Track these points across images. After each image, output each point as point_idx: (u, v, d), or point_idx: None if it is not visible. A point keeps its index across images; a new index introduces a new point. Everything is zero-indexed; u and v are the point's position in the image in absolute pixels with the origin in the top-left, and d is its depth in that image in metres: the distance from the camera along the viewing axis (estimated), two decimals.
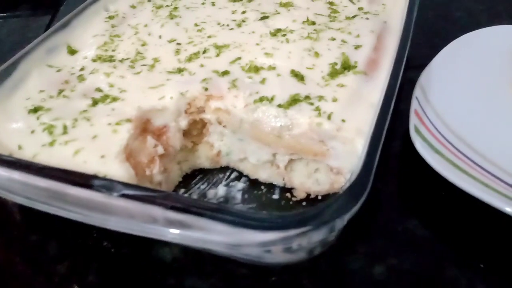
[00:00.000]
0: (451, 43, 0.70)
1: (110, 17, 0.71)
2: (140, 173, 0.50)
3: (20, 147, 0.51)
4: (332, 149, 0.51)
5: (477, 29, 0.74)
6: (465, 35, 0.72)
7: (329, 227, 0.37)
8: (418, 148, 0.54)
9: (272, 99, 0.53)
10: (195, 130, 0.58)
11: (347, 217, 0.38)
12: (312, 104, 0.53)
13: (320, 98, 0.53)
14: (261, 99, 0.53)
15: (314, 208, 0.38)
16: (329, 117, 0.51)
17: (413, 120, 0.57)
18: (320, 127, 0.50)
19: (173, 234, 0.39)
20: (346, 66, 0.57)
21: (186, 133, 0.57)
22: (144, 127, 0.53)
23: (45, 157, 0.49)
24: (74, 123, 0.52)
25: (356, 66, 0.58)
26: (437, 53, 0.69)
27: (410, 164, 0.58)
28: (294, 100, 0.53)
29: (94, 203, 0.42)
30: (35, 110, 0.54)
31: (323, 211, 0.38)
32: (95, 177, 0.44)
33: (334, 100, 0.53)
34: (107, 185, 0.41)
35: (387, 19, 0.68)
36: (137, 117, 0.52)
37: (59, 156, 0.49)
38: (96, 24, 0.69)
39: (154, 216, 0.40)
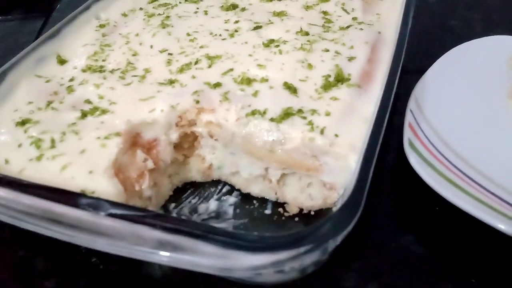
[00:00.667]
0: (446, 53, 0.70)
1: (101, 26, 0.70)
2: (129, 188, 0.49)
3: (7, 161, 0.50)
4: (325, 164, 0.50)
5: (472, 38, 0.73)
6: (460, 45, 0.71)
7: (323, 248, 0.37)
8: (413, 163, 0.53)
9: (264, 112, 0.52)
10: (186, 143, 0.57)
11: (340, 237, 0.38)
12: (305, 118, 0.52)
13: (313, 111, 0.52)
14: (253, 113, 0.52)
15: (307, 229, 0.37)
16: (322, 132, 0.50)
17: (407, 134, 0.56)
18: (313, 142, 0.49)
19: (161, 256, 0.38)
20: (340, 79, 0.57)
21: (177, 146, 0.56)
22: (134, 140, 0.52)
23: (32, 172, 0.48)
24: (62, 136, 0.51)
25: (349, 79, 0.57)
26: (431, 63, 0.68)
27: (404, 178, 0.58)
28: (286, 114, 0.52)
29: (81, 222, 0.41)
30: (23, 123, 0.53)
31: (316, 232, 0.37)
32: (81, 195, 0.43)
33: (327, 114, 0.52)
34: (94, 203, 0.41)
35: (382, 30, 0.67)
36: (127, 131, 0.51)
37: (47, 171, 0.48)
38: (87, 33, 0.68)
39: (143, 236, 0.39)
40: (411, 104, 0.61)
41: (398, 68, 0.56)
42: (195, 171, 0.58)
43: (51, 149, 0.50)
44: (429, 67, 0.68)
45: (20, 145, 0.51)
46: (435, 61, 0.69)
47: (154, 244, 0.39)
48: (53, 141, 0.51)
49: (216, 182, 0.59)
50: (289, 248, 0.36)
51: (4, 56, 0.92)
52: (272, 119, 0.52)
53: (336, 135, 0.50)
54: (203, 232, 0.38)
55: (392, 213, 0.56)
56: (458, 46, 0.71)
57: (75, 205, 0.40)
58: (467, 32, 0.86)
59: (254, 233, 0.38)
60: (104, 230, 0.40)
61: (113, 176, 0.47)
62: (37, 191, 0.42)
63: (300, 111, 0.53)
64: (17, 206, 0.43)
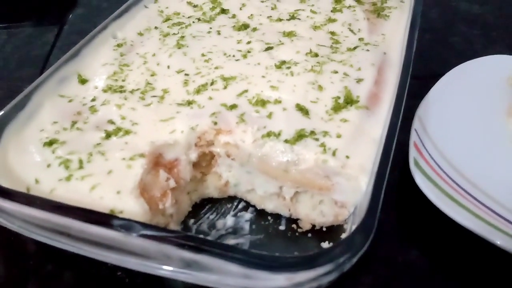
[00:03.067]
0: (448, 73, 0.73)
1: (119, 45, 0.73)
2: (154, 207, 0.53)
3: (37, 181, 0.53)
4: (337, 184, 0.53)
5: (473, 54, 0.77)
6: (461, 64, 0.75)
7: (340, 269, 0.40)
8: (418, 182, 0.56)
9: (279, 134, 0.56)
10: (204, 161, 0.60)
11: (356, 258, 0.41)
12: (317, 139, 0.55)
13: (325, 133, 0.56)
14: (269, 134, 0.56)
15: (325, 250, 0.41)
16: (333, 154, 0.53)
17: (412, 153, 0.60)
18: (326, 164, 0.53)
19: (188, 274, 0.42)
20: (349, 101, 0.60)
21: (195, 164, 0.59)
22: (157, 161, 0.55)
23: (62, 192, 0.51)
24: (89, 157, 0.54)
25: (358, 101, 0.60)
26: (434, 80, 0.72)
27: (409, 194, 0.61)
28: (300, 136, 0.55)
29: (113, 242, 0.44)
30: (50, 143, 0.56)
31: (334, 254, 0.40)
32: (115, 217, 0.46)
33: (338, 136, 0.55)
34: (126, 225, 0.44)
35: (387, 50, 0.71)
36: (150, 153, 0.54)
37: (76, 191, 0.51)
38: (105, 52, 0.71)
39: (171, 255, 0.43)
40: (416, 124, 0.64)
41: (405, 91, 0.59)
42: (212, 188, 0.62)
43: (79, 169, 0.53)
44: (431, 84, 0.71)
45: (49, 165, 0.54)
46: (436, 77, 0.72)
47: (181, 263, 0.43)
48: (81, 161, 0.54)
49: (232, 198, 0.62)
50: (309, 269, 0.39)
51: (18, 68, 0.96)
52: (286, 141, 0.55)
53: (347, 157, 0.53)
54: (228, 252, 0.41)
55: (399, 229, 0.59)
56: (459, 66, 0.75)
57: (109, 226, 0.44)
58: (467, 48, 0.89)
59: (276, 254, 0.41)
60: (135, 250, 0.44)
61: (139, 196, 0.50)
62: (72, 211, 0.45)
63: (312, 133, 0.56)
64: (51, 226, 0.46)
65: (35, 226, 0.47)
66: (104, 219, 0.45)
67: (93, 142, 0.56)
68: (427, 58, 0.86)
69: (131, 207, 0.49)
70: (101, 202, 0.50)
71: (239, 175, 0.59)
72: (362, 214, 0.44)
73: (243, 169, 0.58)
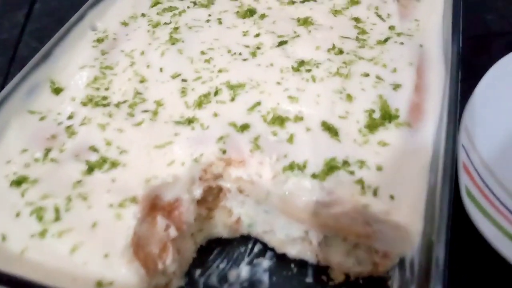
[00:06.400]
0: (493, 67, 0.61)
1: (99, 40, 0.60)
2: (152, 268, 0.42)
3: (4, 238, 0.42)
4: (379, 232, 0.43)
5: None
6: (504, 57, 0.63)
7: None
8: (473, 218, 0.46)
9: (304, 166, 0.45)
10: (211, 195, 0.50)
11: None
12: (352, 173, 0.44)
13: (361, 164, 0.45)
14: (291, 167, 0.45)
15: None
16: (375, 193, 0.43)
17: (463, 180, 0.49)
18: (367, 209, 0.42)
19: None
20: (387, 116, 0.49)
21: (200, 201, 0.48)
22: (153, 204, 0.44)
23: (35, 254, 0.41)
24: (68, 203, 0.43)
25: (398, 116, 0.49)
26: (474, 75, 0.60)
27: (459, 222, 0.51)
28: (330, 168, 0.45)
29: None
30: (19, 182, 0.45)
31: None
32: None
33: (379, 168, 0.45)
34: None
35: (424, 41, 0.59)
36: (145, 197, 0.43)
37: (53, 253, 0.41)
38: (83, 50, 0.59)
39: None
40: (463, 138, 0.53)
41: (457, 102, 0.48)
42: (221, 226, 0.51)
43: (55, 222, 0.42)
44: (473, 81, 0.60)
45: (18, 214, 0.43)
46: (477, 72, 0.61)
47: None
48: (57, 210, 0.43)
49: (245, 239, 0.51)
50: None
51: None
52: (314, 176, 0.44)
53: (392, 197, 0.43)
54: None
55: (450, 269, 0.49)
56: (506, 57, 0.63)
57: None
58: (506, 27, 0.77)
59: None
60: None
61: (133, 259, 0.40)
62: None
63: (345, 163, 0.45)
64: None
65: None
66: None
67: (72, 180, 0.45)
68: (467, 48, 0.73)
69: (123, 275, 0.39)
70: (85, 269, 0.39)
71: (255, 214, 0.48)
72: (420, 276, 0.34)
73: (259, 208, 0.47)
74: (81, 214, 0.42)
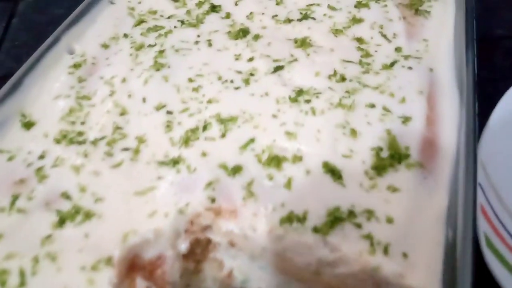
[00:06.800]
0: (505, 96, 0.56)
1: (76, 66, 0.54)
2: None
3: None
4: None
5: None
6: None
7: None
8: (495, 273, 0.41)
9: (304, 217, 0.39)
10: (199, 247, 0.44)
11: None
12: (359, 226, 0.39)
13: (369, 214, 0.39)
14: (290, 219, 0.39)
15: None
16: (385, 251, 0.37)
17: (482, 226, 0.44)
18: (377, 272, 0.36)
19: None
20: (396, 156, 0.43)
21: (186, 254, 0.43)
22: (131, 264, 0.39)
23: None
24: (34, 265, 0.38)
25: (408, 155, 0.44)
26: (488, 100, 0.55)
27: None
28: (334, 220, 0.39)
29: None
30: None
31: None
32: None
33: (389, 220, 0.39)
34: None
35: (433, 65, 0.53)
36: (121, 259, 0.38)
37: None
38: (58, 77, 0.53)
39: None
40: (480, 176, 0.48)
41: (475, 137, 0.43)
42: (210, 281, 0.45)
43: None
44: (487, 107, 0.55)
45: None
46: (491, 95, 0.56)
47: None
48: (22, 274, 0.37)
49: None
50: None
51: None
52: (316, 230, 0.39)
53: (405, 255, 0.37)
54: None
55: None
56: None
57: None
58: None
59: None
60: None
61: None
62: None
63: (351, 213, 0.40)
64: None
65: None
66: None
67: (40, 235, 0.40)
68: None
69: None
70: None
71: (249, 270, 0.43)
72: None
73: (253, 264, 0.42)
74: (49, 279, 0.37)
